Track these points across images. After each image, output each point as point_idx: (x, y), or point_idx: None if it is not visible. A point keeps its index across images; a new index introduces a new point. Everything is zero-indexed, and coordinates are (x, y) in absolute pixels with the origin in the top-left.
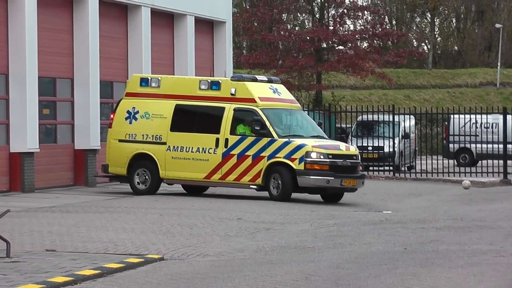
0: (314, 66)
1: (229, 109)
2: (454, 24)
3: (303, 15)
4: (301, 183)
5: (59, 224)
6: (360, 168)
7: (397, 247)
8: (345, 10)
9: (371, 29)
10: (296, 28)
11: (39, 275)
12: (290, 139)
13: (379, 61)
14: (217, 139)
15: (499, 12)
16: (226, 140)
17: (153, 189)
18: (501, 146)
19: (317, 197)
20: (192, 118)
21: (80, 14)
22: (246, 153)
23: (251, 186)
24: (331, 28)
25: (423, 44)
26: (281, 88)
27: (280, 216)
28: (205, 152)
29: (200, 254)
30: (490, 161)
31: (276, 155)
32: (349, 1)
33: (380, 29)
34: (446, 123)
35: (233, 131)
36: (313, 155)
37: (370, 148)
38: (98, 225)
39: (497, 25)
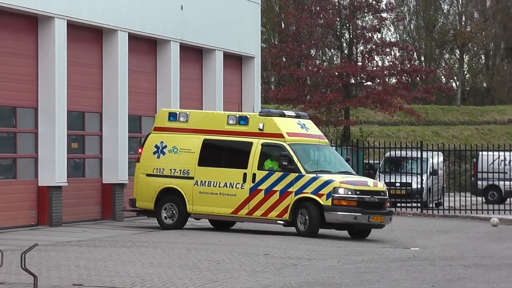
0: (342, 102)
1: (257, 144)
2: (483, 61)
3: (332, 50)
4: (329, 219)
5: (86, 259)
6: (388, 204)
7: (425, 285)
8: (374, 46)
9: (399, 65)
10: (325, 64)
11: None
12: (318, 175)
13: (407, 97)
14: (245, 174)
15: None
16: (254, 175)
17: (180, 223)
18: None
19: (345, 233)
20: (220, 153)
21: (109, 49)
22: (274, 188)
23: (278, 221)
24: (360, 63)
25: (451, 80)
26: (309, 123)
27: (307, 252)
28: (232, 187)
29: None
30: None
31: (304, 191)
32: (378, 37)
33: (408, 65)
34: (475, 160)
35: (260, 166)
36: (341, 191)
37: (398, 184)
38: (125, 259)
39: None
